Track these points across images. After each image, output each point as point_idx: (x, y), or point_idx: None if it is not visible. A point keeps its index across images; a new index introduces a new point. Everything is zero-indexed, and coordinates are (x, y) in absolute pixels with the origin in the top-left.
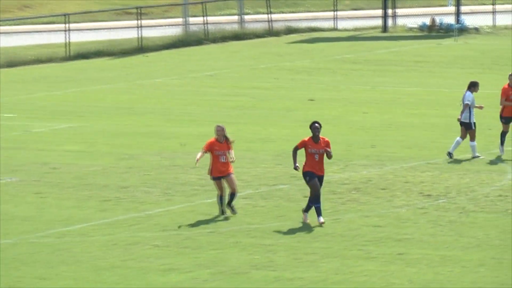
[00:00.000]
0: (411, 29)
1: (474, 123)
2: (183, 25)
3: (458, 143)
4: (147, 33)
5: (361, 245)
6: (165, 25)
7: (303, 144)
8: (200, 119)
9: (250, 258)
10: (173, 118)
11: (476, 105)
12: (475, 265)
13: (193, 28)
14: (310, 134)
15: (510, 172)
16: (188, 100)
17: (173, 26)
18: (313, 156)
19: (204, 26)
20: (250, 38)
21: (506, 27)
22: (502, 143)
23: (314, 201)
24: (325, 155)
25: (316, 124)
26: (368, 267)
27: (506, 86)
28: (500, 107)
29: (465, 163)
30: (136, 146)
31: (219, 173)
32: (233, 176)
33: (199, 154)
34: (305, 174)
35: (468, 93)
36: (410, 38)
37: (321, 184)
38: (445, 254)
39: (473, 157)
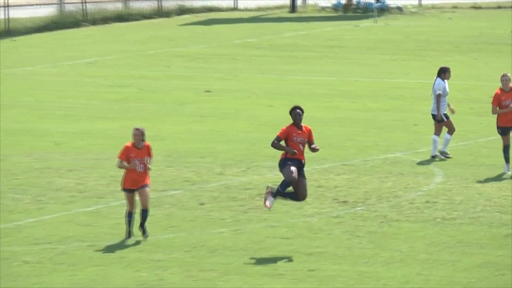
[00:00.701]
0: (323, 8)
1: (445, 114)
2: (57, 4)
3: (436, 142)
4: (15, 13)
5: (267, 260)
6: (36, 4)
7: (285, 133)
8: (78, 114)
9: (136, 276)
10: (46, 113)
11: (450, 106)
12: (398, 283)
13: (69, 7)
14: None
15: (439, 174)
16: (64, 92)
17: (46, 6)
18: (298, 145)
19: (82, 6)
20: (136, 20)
21: (433, 6)
22: (506, 160)
23: (281, 185)
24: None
25: (298, 110)
26: (275, 286)
27: (499, 91)
28: (494, 115)
29: (387, 164)
30: (3, 145)
31: (133, 184)
32: (147, 189)
33: (122, 163)
34: (286, 160)
35: (439, 80)
36: (323, 19)
37: (302, 175)
38: (364, 270)
39: (441, 152)
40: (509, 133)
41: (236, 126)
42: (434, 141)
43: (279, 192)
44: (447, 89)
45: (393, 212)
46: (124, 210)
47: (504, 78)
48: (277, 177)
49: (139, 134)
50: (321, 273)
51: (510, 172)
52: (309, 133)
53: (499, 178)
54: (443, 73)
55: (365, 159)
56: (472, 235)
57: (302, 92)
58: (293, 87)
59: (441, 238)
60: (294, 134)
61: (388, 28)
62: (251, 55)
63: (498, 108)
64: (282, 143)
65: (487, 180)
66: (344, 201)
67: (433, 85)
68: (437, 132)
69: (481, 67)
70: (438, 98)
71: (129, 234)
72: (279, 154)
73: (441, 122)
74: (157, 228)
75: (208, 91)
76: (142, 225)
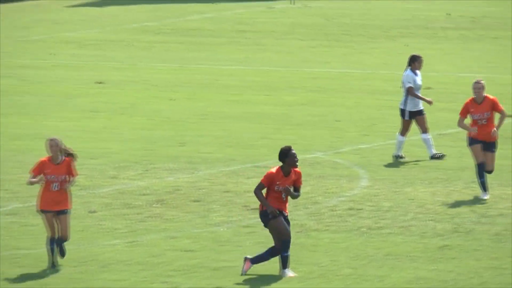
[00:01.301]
0: None
1: (412, 112)
2: None
3: (426, 141)
4: None
5: (166, 276)
6: None
7: (269, 181)
8: None
9: None
10: None
11: (425, 98)
12: None
13: None
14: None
15: (364, 177)
16: None
17: None
18: (280, 194)
19: None
20: (17, 0)
21: None
22: (482, 185)
23: (283, 249)
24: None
25: (294, 151)
26: None
27: (469, 101)
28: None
29: (305, 166)
30: None
31: (50, 205)
32: (68, 216)
33: (30, 179)
34: (266, 212)
35: (408, 71)
36: (232, 0)
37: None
38: (278, 287)
39: (396, 156)
40: (480, 146)
41: (133, 122)
42: (425, 140)
43: (286, 257)
44: (419, 81)
45: (311, 221)
46: (4, 219)
47: (477, 86)
48: (179, 181)
49: (53, 145)
50: None
51: (487, 197)
52: (298, 178)
53: (432, 181)
54: (413, 62)
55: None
56: (402, 247)
57: (208, 84)
58: (198, 77)
59: (366, 250)
60: (278, 182)
61: (306, 10)
62: (150, 41)
63: (462, 121)
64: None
65: (419, 184)
66: (255, 208)
67: (402, 76)
68: (423, 130)
69: None
70: (410, 92)
71: (53, 264)
72: (182, 154)
73: (404, 119)
74: (41, 240)
75: (100, 83)
76: (60, 252)
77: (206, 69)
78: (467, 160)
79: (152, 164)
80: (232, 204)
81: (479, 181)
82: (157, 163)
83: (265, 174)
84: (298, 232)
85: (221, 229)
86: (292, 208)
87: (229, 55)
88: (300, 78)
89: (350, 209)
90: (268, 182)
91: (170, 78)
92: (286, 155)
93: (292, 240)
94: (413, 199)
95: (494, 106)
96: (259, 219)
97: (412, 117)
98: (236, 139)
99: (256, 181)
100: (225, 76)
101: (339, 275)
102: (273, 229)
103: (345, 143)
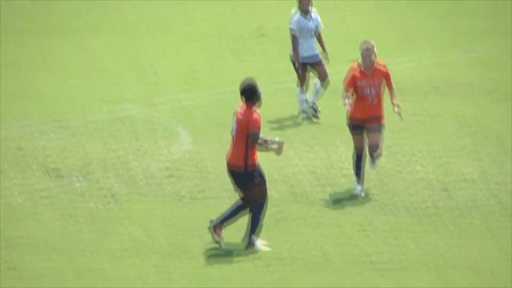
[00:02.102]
0: None
1: (305, 64)
2: None
3: (299, 96)
4: None
5: None
6: None
7: (260, 124)
8: None
9: None
10: None
11: (325, 51)
12: (128, 280)
13: None
14: None
15: (185, 135)
16: None
17: None
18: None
19: None
20: None
21: None
22: (357, 175)
23: (260, 211)
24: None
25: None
26: None
27: (355, 67)
28: (346, 103)
29: (116, 122)
30: None
31: None
32: None
33: None
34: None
35: (294, 13)
36: None
37: None
38: (84, 267)
39: (303, 112)
40: (363, 131)
41: None
42: (298, 96)
43: (259, 225)
44: (311, 25)
45: (123, 188)
46: None
47: (366, 46)
48: None
49: None
50: (25, 272)
51: (363, 194)
52: None
53: None
54: (299, 1)
55: (84, 114)
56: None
57: None
58: None
59: (188, 222)
60: None
61: None
62: None
63: (345, 95)
64: None
65: None
66: (55, 171)
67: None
68: (301, 83)
69: None
70: (294, 40)
71: None
72: None
73: (297, 72)
74: None
75: None
76: None
77: None
78: None
79: None
80: (26, 165)
81: (354, 171)
82: None
83: (252, 120)
84: (106, 200)
85: (14, 197)
86: (100, 173)
87: None
88: (106, 17)
89: (170, 175)
90: (260, 127)
91: None
92: (255, 91)
93: (98, 211)
94: None
95: (386, 78)
96: (61, 183)
97: (305, 67)
98: (31, 90)
99: (56, 138)
100: None
101: (158, 252)
102: (258, 191)
103: (163, 94)
